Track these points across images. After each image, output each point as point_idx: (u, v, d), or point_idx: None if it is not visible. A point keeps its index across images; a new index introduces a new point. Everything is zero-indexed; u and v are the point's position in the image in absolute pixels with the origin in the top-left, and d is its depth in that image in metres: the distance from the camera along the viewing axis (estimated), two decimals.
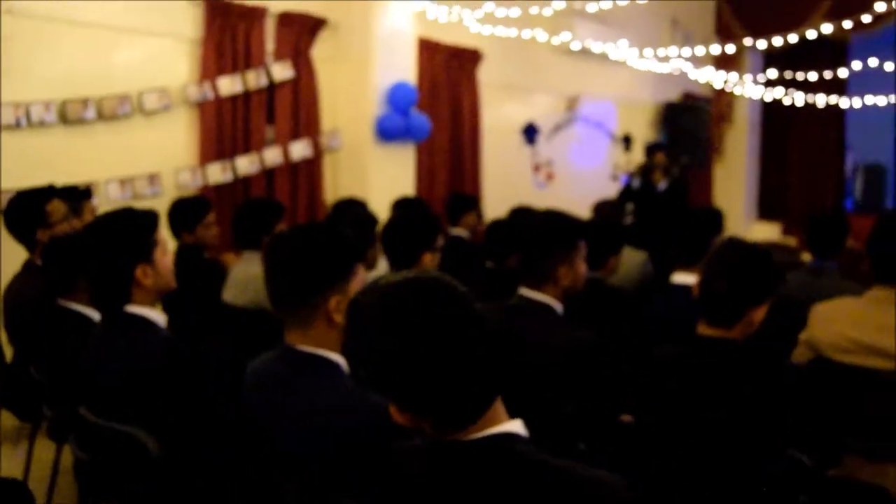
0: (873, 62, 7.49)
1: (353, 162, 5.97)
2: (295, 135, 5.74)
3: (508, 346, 2.51)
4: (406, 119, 5.80)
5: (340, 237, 1.90)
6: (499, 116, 7.34)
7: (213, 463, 1.89)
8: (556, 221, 2.61)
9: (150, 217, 2.28)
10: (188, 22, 5.32)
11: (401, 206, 4.65)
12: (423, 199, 5.24)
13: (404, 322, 1.22)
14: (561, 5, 6.11)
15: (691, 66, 8.00)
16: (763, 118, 10.51)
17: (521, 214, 4.59)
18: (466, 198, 5.41)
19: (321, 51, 5.91)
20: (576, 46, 7.31)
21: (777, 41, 7.05)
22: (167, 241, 2.34)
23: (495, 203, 6.41)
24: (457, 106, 6.77)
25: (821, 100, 8.70)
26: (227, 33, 5.44)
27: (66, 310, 2.83)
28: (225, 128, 5.46)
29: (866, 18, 6.59)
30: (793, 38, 6.85)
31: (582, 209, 5.37)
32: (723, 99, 9.82)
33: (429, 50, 6.47)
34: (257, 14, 5.56)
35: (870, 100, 8.71)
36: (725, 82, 8.65)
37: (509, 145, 7.47)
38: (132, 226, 2.24)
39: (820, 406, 2.77)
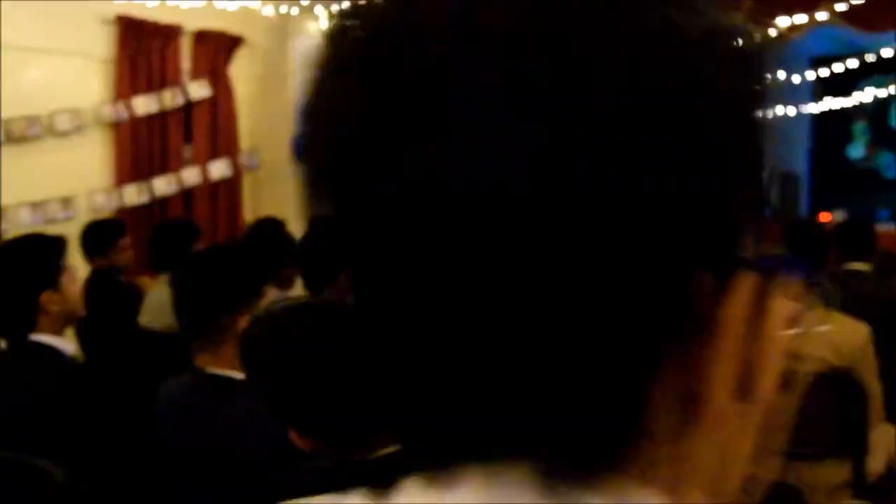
0: (779, 75, 7.77)
1: (273, 181, 5.93)
2: (213, 154, 5.68)
3: None
4: None
5: (248, 257, 1.90)
6: None
7: (122, 492, 1.85)
8: None
9: (56, 242, 2.24)
10: (100, 41, 5.23)
11: (318, 224, 4.63)
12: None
13: (294, 351, 1.23)
14: None
15: None
16: None
17: None
18: None
19: (239, 69, 5.87)
20: None
21: None
22: (76, 267, 2.30)
23: None
24: None
25: None
26: (142, 52, 5.36)
27: None
28: (141, 148, 5.37)
29: (772, 32, 6.84)
30: None
31: None
32: None
33: None
34: (172, 32, 5.50)
35: (778, 111, 9.03)
36: None
37: None
38: (37, 251, 2.19)
39: None
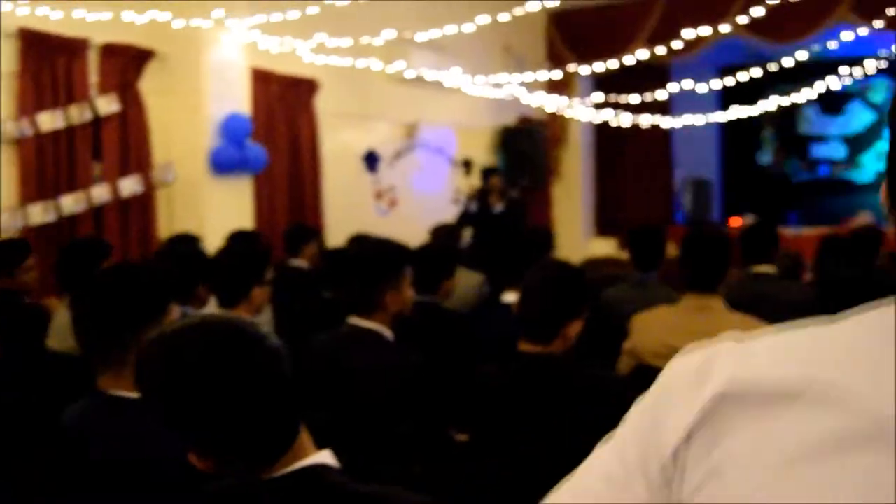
0: (688, 84, 8.01)
1: (187, 196, 5.82)
2: (124, 170, 5.55)
3: (336, 376, 2.51)
4: (241, 150, 5.72)
5: (151, 275, 1.86)
6: (339, 145, 7.35)
7: None
8: (380, 249, 2.64)
9: None
10: (3, 55, 5.05)
11: (231, 240, 4.57)
12: (256, 232, 5.18)
13: (189, 371, 1.21)
14: (391, 35, 6.20)
15: (525, 91, 8.29)
16: (596, 139, 11.01)
17: (359, 242, 4.61)
18: (306, 228, 5.38)
19: (150, 83, 5.74)
20: (410, 75, 7.44)
21: (604, 66, 7.42)
22: None
23: (338, 231, 6.40)
24: (295, 136, 6.74)
25: (645, 120, 9.20)
26: (46, 66, 5.20)
27: None
28: (47, 165, 5.20)
29: (677, 45, 7.04)
30: (613, 63, 7.22)
31: (425, 234, 5.46)
32: (557, 122, 10.21)
33: (263, 80, 6.42)
34: (78, 46, 5.35)
35: (689, 119, 9.30)
36: (557, 107, 9.01)
37: (350, 173, 7.49)
38: None
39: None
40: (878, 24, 7.58)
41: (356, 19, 6.57)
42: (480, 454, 2.27)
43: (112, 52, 5.51)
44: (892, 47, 8.01)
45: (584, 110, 9.15)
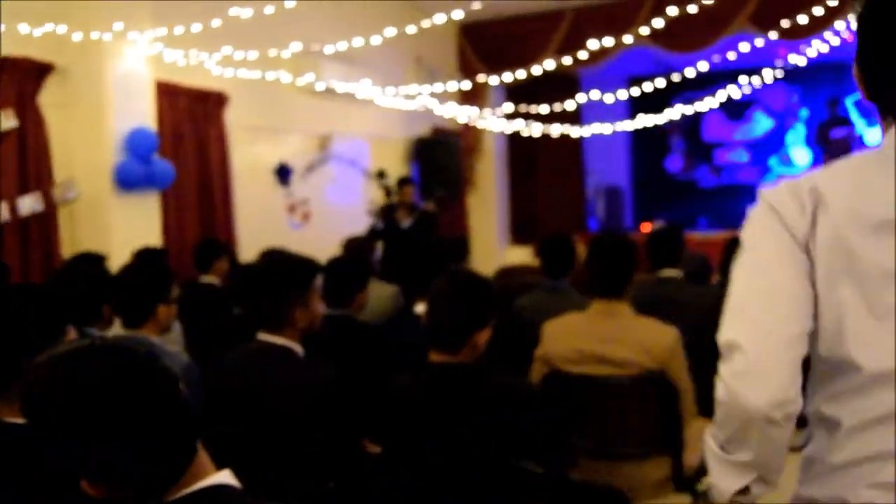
0: (596, 94, 8.18)
1: (91, 214, 5.63)
2: (23, 189, 5.34)
3: (245, 393, 2.47)
4: (147, 166, 5.57)
5: (45, 297, 1.80)
6: (250, 158, 7.25)
7: None
8: (287, 265, 2.61)
9: None
10: None
11: (135, 258, 4.46)
12: (162, 249, 5.05)
13: (77, 395, 1.17)
14: (298, 47, 6.15)
15: (437, 102, 8.33)
16: (509, 149, 11.13)
17: (268, 258, 4.54)
18: (215, 244, 5.28)
19: (50, 97, 5.55)
20: (321, 87, 7.40)
21: (515, 76, 7.50)
22: None
23: (251, 246, 6.30)
24: (204, 150, 6.61)
25: (555, 129, 9.35)
26: None
27: None
28: None
29: (583, 55, 7.19)
30: (523, 74, 7.32)
31: (340, 247, 5.41)
32: (471, 132, 10.29)
33: (169, 94, 6.28)
34: None
35: (598, 128, 9.49)
36: (470, 117, 9.08)
37: (263, 187, 7.39)
38: None
39: (556, 415, 2.96)
40: (773, 35, 7.89)
41: (264, 31, 6.49)
42: (393, 466, 2.26)
43: (8, 66, 5.31)
44: (788, 57, 8.34)
45: (495, 120, 9.25)
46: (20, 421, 1.68)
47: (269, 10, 5.32)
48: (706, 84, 10.40)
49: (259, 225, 7.13)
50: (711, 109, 11.40)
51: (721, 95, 8.84)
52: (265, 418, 2.45)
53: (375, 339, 3.41)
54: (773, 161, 13.00)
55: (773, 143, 13.00)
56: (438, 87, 7.69)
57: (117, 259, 4.71)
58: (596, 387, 2.96)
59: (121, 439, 1.18)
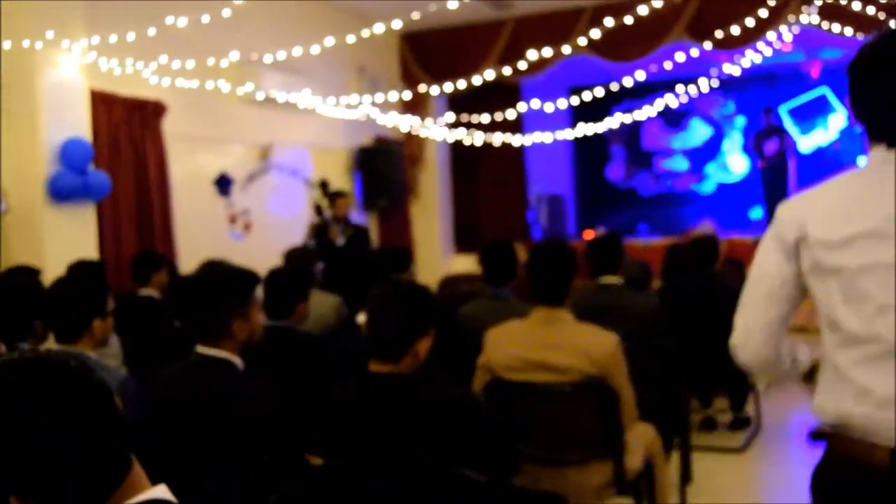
0: (536, 104, 8.26)
1: (23, 227, 5.48)
2: None
3: (183, 407, 2.43)
4: (82, 177, 5.45)
5: None
6: (189, 168, 7.14)
7: None
8: (224, 276, 2.57)
9: None
10: None
11: (70, 271, 4.35)
12: (97, 262, 4.94)
13: (2, 409, 1.14)
14: (237, 56, 6.09)
15: (379, 111, 8.32)
16: (452, 158, 11.17)
17: (206, 269, 4.48)
18: (154, 256, 5.18)
19: None
20: (261, 96, 7.33)
21: (458, 85, 7.53)
22: None
23: (191, 258, 6.20)
24: (141, 160, 6.49)
25: (497, 138, 9.41)
26: None
27: None
28: None
29: (523, 65, 7.26)
30: (463, 83, 7.36)
31: (281, 257, 5.36)
32: (414, 141, 10.30)
33: (105, 103, 6.16)
34: None
35: (538, 137, 9.57)
36: (412, 126, 9.09)
37: (203, 198, 7.29)
38: None
39: (498, 423, 2.96)
40: (708, 45, 8.07)
41: (202, 40, 6.42)
42: (334, 477, 2.24)
43: None
44: (723, 67, 8.53)
45: (438, 130, 9.28)
46: None
47: (206, 18, 5.26)
48: (645, 93, 10.59)
49: (199, 236, 7.03)
50: (650, 118, 11.61)
51: (659, 104, 9.00)
52: (203, 432, 2.41)
53: (317, 350, 3.38)
54: (710, 168, 13.26)
55: (711, 151, 13.27)
56: (380, 97, 7.69)
57: (52, 273, 4.59)
58: (538, 393, 2.97)
59: (50, 453, 1.15)
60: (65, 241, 5.48)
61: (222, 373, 2.48)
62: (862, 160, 10.36)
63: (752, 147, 11.30)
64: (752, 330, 1.87)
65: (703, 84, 8.73)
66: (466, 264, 10.37)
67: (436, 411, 2.17)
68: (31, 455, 1.15)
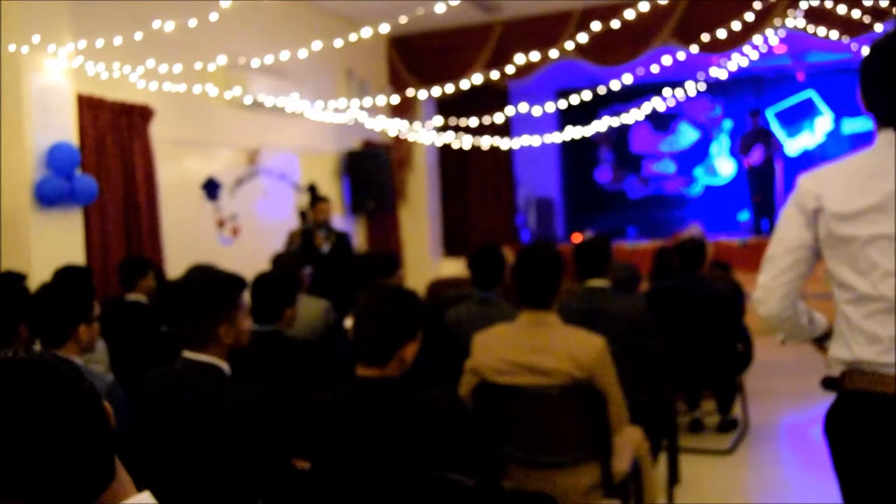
0: (524, 107, 8.28)
1: (10, 232, 5.45)
2: None
3: (170, 413, 2.42)
4: (69, 182, 5.43)
5: None
6: (177, 173, 7.13)
7: None
8: (210, 281, 2.57)
9: None
10: None
11: (56, 276, 4.34)
12: (84, 267, 4.92)
13: None
14: (224, 60, 6.08)
15: (367, 115, 8.32)
16: (441, 162, 11.18)
17: (195, 273, 4.47)
18: (140, 261, 5.16)
19: None
20: (249, 101, 7.32)
21: (445, 89, 7.54)
22: None
23: (179, 263, 6.19)
24: (128, 164, 6.47)
25: (485, 142, 9.43)
26: None
27: None
28: None
29: (510, 69, 7.27)
30: (451, 87, 7.37)
31: (269, 262, 5.35)
32: (402, 145, 10.30)
33: (92, 107, 6.14)
34: None
35: (527, 140, 9.59)
36: (400, 130, 9.10)
37: (190, 202, 7.27)
38: None
39: (485, 426, 2.97)
40: (695, 48, 8.11)
41: (190, 44, 6.41)
42: (322, 482, 2.24)
43: None
44: (710, 70, 8.57)
45: (426, 133, 9.28)
46: None
47: (193, 22, 5.25)
48: (632, 96, 10.64)
49: (187, 241, 7.01)
50: (638, 122, 11.66)
51: (646, 108, 9.04)
52: (190, 437, 2.40)
53: (304, 355, 3.37)
54: (698, 171, 13.32)
55: (699, 154, 13.33)
56: (368, 101, 7.69)
57: (39, 278, 4.58)
58: (525, 397, 2.98)
59: (34, 455, 1.14)
60: (51, 246, 5.46)
61: (209, 378, 2.47)
62: None
63: (739, 150, 11.36)
64: (771, 287, 2.14)
65: (690, 87, 8.77)
66: (454, 268, 10.38)
67: (423, 415, 2.17)
68: (15, 456, 1.14)
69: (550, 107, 8.67)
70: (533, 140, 9.49)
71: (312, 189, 7.86)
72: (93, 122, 6.15)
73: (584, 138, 10.24)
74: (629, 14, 6.28)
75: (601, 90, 8.34)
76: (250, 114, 7.77)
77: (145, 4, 6.38)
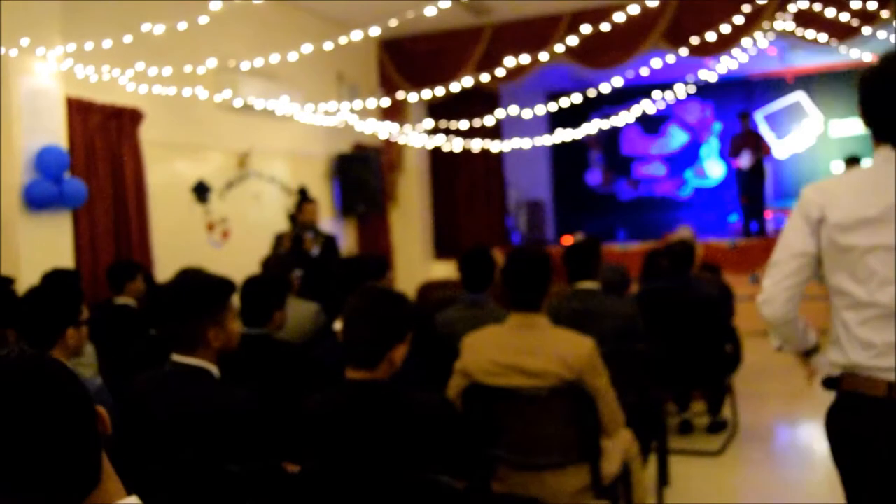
0: (514, 110, 8.29)
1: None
2: None
3: (158, 416, 2.42)
4: (58, 185, 5.41)
5: None
6: (167, 176, 7.11)
7: None
8: (198, 284, 2.56)
9: None
10: None
11: (44, 279, 4.33)
12: (72, 271, 4.90)
13: None
14: (214, 63, 6.08)
15: (358, 118, 8.32)
16: (432, 164, 11.19)
17: (183, 276, 4.46)
18: (129, 264, 5.15)
19: None
20: (238, 103, 7.31)
21: (435, 92, 7.55)
22: None
23: (169, 266, 6.17)
24: (118, 168, 6.46)
25: (476, 144, 9.44)
26: None
27: None
28: None
29: (500, 72, 7.29)
30: (441, 90, 7.38)
31: (259, 265, 5.34)
32: (392, 148, 10.31)
33: (81, 111, 6.12)
34: None
35: (517, 143, 9.61)
36: (390, 133, 9.10)
37: (180, 205, 7.25)
38: None
39: (474, 428, 2.97)
40: (684, 52, 8.14)
41: (179, 47, 6.40)
42: (311, 485, 2.24)
43: None
44: (699, 73, 8.61)
45: (417, 136, 9.29)
46: None
47: (183, 25, 5.25)
48: (622, 99, 10.67)
49: (177, 244, 7.00)
50: (629, 124, 11.70)
51: (636, 110, 9.06)
52: (179, 441, 2.40)
53: (294, 358, 3.37)
54: (688, 174, 13.36)
55: (689, 157, 13.38)
56: (359, 104, 7.69)
57: (27, 281, 4.56)
58: (514, 398, 2.98)
59: (21, 454, 1.14)
60: (40, 249, 5.44)
61: (198, 381, 2.47)
62: (835, 165, 10.40)
63: (728, 152, 11.40)
64: (776, 291, 2.24)
65: (680, 90, 8.80)
66: (445, 271, 10.37)
67: (412, 418, 2.17)
68: (2, 453, 1.14)
69: (541, 109, 8.69)
70: (523, 143, 9.51)
71: (303, 192, 7.86)
72: (82, 125, 6.13)
73: (574, 141, 10.26)
74: (619, 17, 6.30)
75: (591, 93, 8.36)
76: (240, 117, 7.76)
77: (135, 7, 6.37)
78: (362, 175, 9.35)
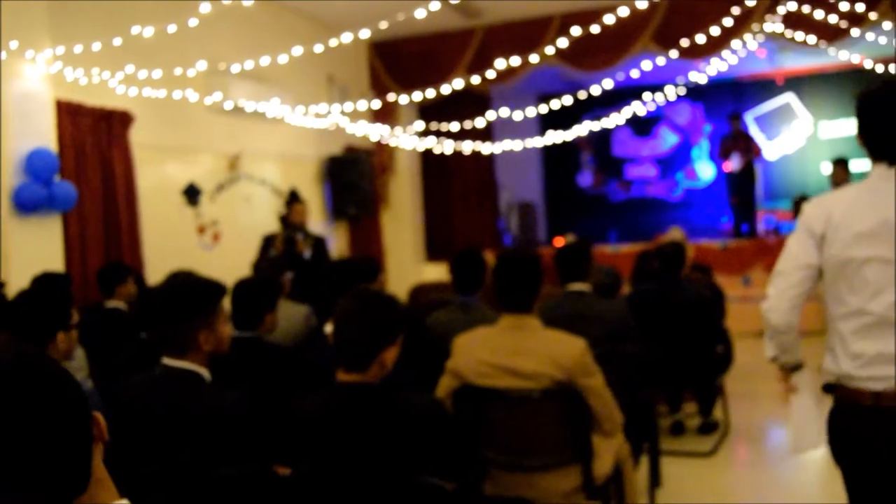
0: (505, 112, 8.30)
1: None
2: None
3: (149, 420, 2.41)
4: (48, 188, 5.39)
5: None
6: (157, 179, 7.09)
7: None
8: (188, 287, 2.55)
9: None
10: None
11: (34, 283, 4.31)
12: (62, 274, 4.89)
13: None
14: (204, 66, 6.06)
15: (349, 120, 8.32)
16: (423, 166, 11.19)
17: (173, 279, 4.44)
18: (119, 267, 5.13)
19: None
20: (228, 106, 7.30)
21: (426, 94, 7.55)
22: None
23: (160, 269, 6.15)
24: (108, 170, 6.43)
25: (467, 146, 9.45)
26: None
27: None
28: None
29: (491, 74, 7.30)
30: (432, 92, 7.38)
31: (250, 267, 5.33)
32: (384, 150, 10.30)
33: (71, 113, 6.10)
34: None
35: (508, 145, 9.62)
36: (381, 135, 9.09)
37: (171, 208, 7.23)
38: None
39: (467, 428, 2.97)
40: (674, 54, 8.16)
41: (169, 50, 6.39)
42: (302, 488, 2.24)
43: None
44: (689, 74, 8.63)
45: (408, 138, 9.29)
46: None
47: (172, 28, 5.24)
48: (613, 101, 10.69)
49: (168, 247, 6.97)
50: (620, 126, 11.72)
51: (627, 112, 9.08)
52: (170, 444, 2.39)
53: (285, 361, 3.36)
54: (679, 175, 13.40)
55: (680, 158, 13.42)
56: (350, 106, 7.69)
57: (17, 285, 4.53)
58: (506, 399, 2.98)
59: (11, 450, 1.13)
60: (30, 253, 5.41)
61: (189, 384, 2.46)
62: (824, 166, 10.42)
63: (719, 154, 11.44)
64: (781, 299, 2.36)
65: (670, 92, 8.82)
66: (437, 273, 10.37)
67: (403, 420, 2.17)
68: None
69: (532, 111, 8.70)
70: (514, 144, 9.52)
71: (294, 194, 7.85)
72: (72, 127, 6.11)
73: (565, 143, 10.28)
74: (609, 19, 6.32)
75: (582, 95, 8.38)
76: (231, 119, 7.75)
77: (124, 10, 6.35)
78: (353, 177, 9.34)
